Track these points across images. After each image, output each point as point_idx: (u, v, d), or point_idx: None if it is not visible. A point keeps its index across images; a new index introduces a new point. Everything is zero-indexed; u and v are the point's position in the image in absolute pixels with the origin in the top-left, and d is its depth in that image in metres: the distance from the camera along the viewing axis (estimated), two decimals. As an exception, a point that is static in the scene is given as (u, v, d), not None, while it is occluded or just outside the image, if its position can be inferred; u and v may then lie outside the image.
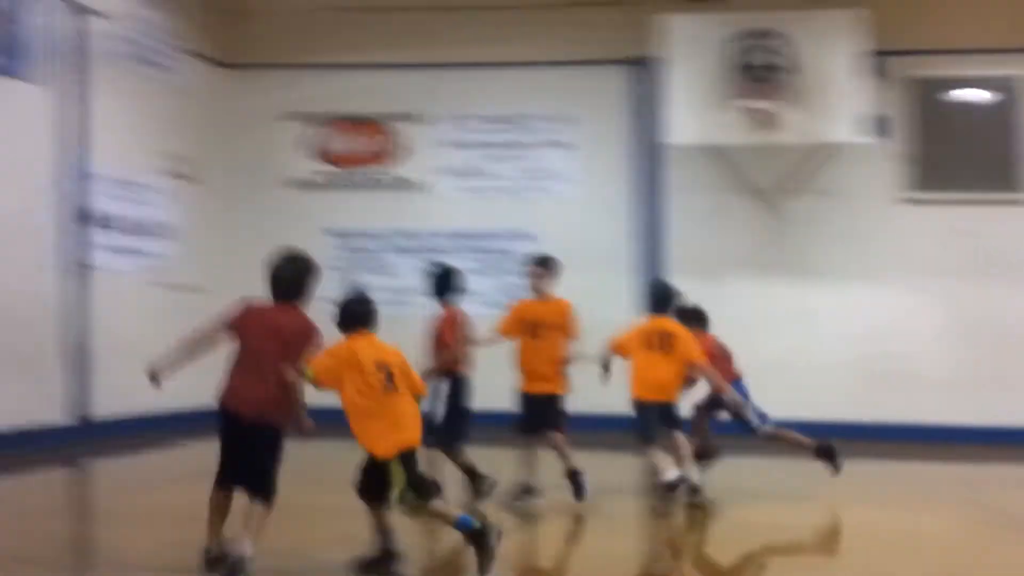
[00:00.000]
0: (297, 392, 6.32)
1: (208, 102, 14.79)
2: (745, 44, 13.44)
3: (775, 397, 13.78)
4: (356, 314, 6.64)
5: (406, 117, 15.09)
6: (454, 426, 8.70)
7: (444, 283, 8.91)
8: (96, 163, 12.68)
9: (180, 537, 6.81)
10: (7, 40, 11.16)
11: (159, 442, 12.28)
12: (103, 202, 12.79)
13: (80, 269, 12.44)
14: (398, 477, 6.38)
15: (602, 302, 14.08)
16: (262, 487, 6.23)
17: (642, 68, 14.29)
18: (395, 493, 6.40)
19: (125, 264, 13.03)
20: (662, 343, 9.03)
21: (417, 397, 6.63)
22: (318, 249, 14.95)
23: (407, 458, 6.44)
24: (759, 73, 13.34)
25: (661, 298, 9.41)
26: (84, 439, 11.85)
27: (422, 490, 6.47)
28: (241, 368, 6.32)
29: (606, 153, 14.69)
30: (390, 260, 14.78)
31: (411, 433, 6.49)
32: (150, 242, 13.53)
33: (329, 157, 15.27)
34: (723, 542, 8.02)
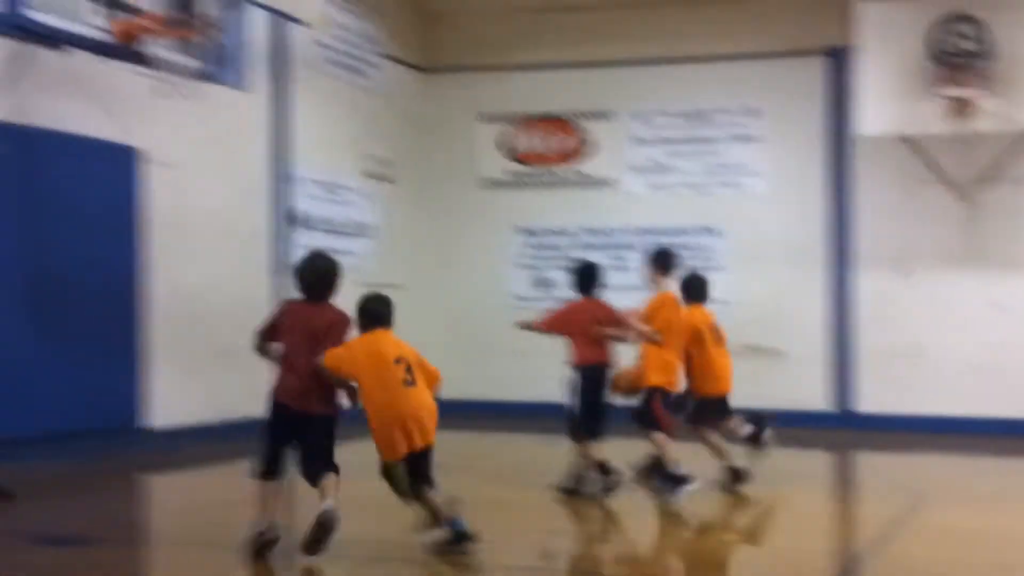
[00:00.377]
0: (330, 378, 6.63)
1: (404, 105, 15.30)
2: (943, 31, 13.11)
3: (971, 393, 13.48)
4: (374, 313, 6.86)
5: (595, 115, 15.26)
6: (586, 419, 8.77)
7: (585, 278, 9.06)
8: (300, 166, 13.30)
9: (382, 527, 7.11)
10: (216, 50, 11.79)
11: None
12: (306, 203, 13.42)
13: (287, 269, 13.04)
14: (399, 477, 6.66)
15: (792, 297, 13.98)
16: (326, 468, 6.57)
17: (834, 58, 14.11)
18: (399, 487, 6.68)
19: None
20: (719, 334, 9.29)
21: (434, 389, 6.77)
22: (508, 246, 15.45)
23: (417, 458, 6.63)
24: (957, 60, 12.98)
25: (702, 289, 9.47)
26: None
27: (418, 486, 6.67)
28: (285, 364, 6.71)
29: (794, 146, 14.52)
30: (578, 257, 14.98)
31: (424, 435, 6.64)
32: (350, 241, 14.09)
33: (520, 156, 15.58)
34: (938, 548, 7.40)
